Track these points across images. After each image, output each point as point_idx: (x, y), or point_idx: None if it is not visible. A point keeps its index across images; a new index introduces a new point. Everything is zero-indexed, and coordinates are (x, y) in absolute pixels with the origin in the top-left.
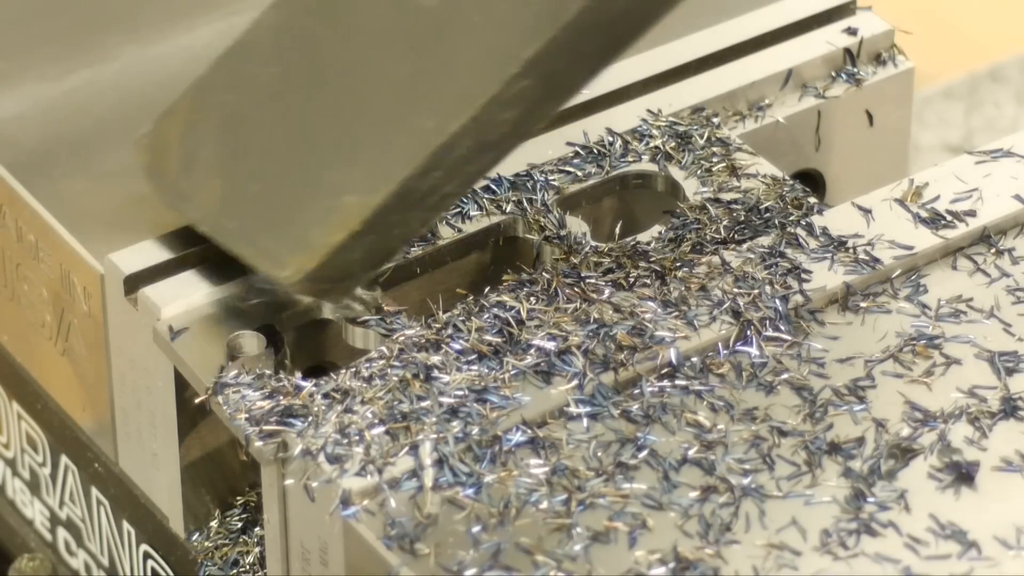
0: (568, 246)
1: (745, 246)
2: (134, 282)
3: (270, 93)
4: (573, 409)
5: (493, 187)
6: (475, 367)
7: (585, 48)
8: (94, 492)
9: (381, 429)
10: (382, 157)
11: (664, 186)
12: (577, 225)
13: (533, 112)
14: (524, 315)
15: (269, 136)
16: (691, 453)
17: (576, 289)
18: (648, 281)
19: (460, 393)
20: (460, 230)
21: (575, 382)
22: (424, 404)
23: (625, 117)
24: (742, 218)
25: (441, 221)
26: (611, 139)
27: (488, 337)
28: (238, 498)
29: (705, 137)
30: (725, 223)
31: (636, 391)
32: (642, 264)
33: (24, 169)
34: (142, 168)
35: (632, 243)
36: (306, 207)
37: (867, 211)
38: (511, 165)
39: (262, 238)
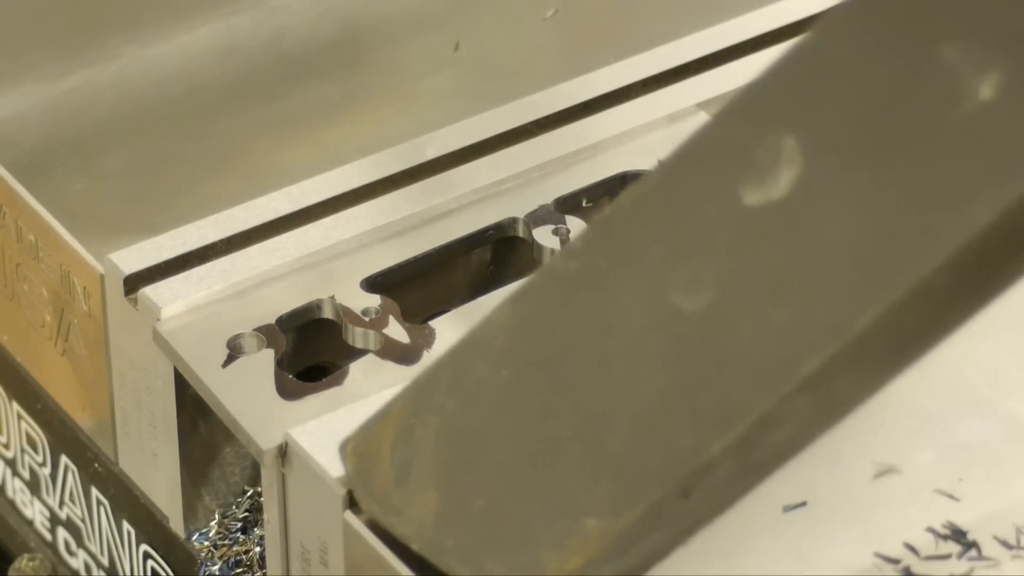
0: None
1: None
2: (134, 282)
3: (500, 399)
4: None
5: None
6: None
7: (869, 365)
8: (94, 492)
9: None
10: (630, 476)
11: None
12: (577, 225)
13: (804, 432)
14: None
15: (498, 447)
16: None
17: None
18: None
19: None
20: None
21: None
22: None
23: (625, 117)
24: None
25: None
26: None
27: None
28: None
29: None
30: None
31: None
32: None
33: (24, 169)
34: (348, 474)
35: None
36: (539, 527)
37: None
38: (510, 165)
39: (486, 560)
